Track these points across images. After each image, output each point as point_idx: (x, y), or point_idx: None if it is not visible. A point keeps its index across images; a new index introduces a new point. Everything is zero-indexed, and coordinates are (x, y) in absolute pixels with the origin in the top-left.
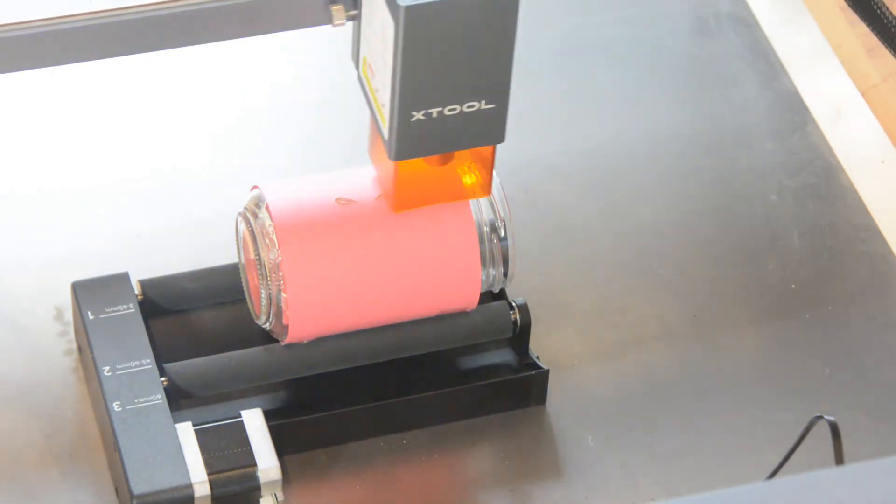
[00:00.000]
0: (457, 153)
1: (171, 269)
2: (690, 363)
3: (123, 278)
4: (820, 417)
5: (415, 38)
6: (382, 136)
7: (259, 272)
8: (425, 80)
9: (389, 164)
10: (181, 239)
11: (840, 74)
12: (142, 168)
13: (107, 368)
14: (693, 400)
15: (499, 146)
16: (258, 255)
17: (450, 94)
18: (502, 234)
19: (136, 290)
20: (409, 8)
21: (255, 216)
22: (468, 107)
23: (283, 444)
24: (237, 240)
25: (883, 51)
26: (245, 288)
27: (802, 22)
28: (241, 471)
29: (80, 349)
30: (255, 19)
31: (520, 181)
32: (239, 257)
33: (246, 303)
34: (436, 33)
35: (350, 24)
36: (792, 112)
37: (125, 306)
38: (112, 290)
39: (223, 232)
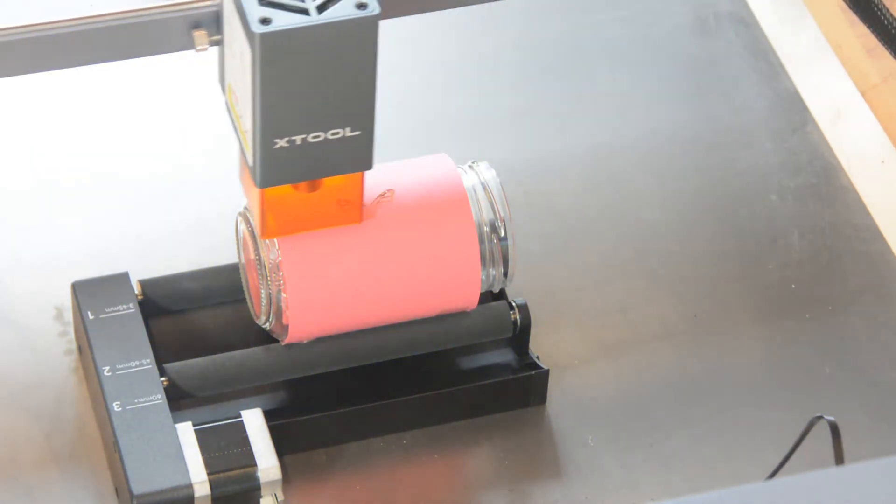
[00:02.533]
0: (325, 180)
1: (171, 269)
2: (690, 363)
3: (123, 278)
4: (820, 417)
5: (272, 65)
6: (247, 163)
7: (259, 272)
8: (286, 106)
9: (257, 192)
10: (181, 239)
11: (840, 74)
12: (142, 168)
13: (107, 368)
14: (693, 400)
15: (499, 146)
16: (258, 255)
17: (313, 121)
18: (502, 234)
19: (136, 290)
20: (264, 35)
21: (251, 212)
22: (332, 133)
23: (283, 444)
24: (237, 240)
25: (883, 51)
26: (245, 288)
27: (802, 22)
28: (241, 471)
29: (80, 349)
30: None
31: (520, 181)
32: (239, 257)
33: (246, 303)
34: (294, 60)
35: (215, 49)
36: (792, 112)
37: (125, 306)
38: (112, 290)
39: (223, 232)
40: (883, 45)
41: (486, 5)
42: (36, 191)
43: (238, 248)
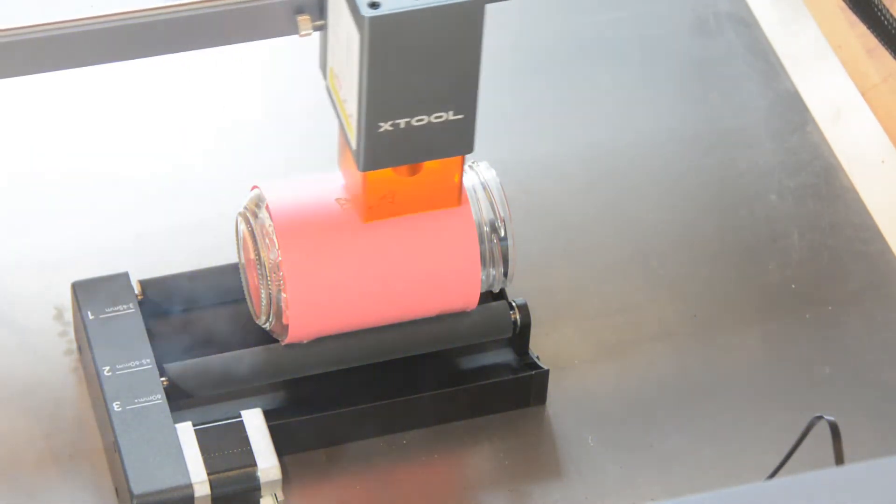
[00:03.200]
0: (426, 163)
1: (171, 269)
2: (690, 363)
3: (123, 278)
4: (820, 417)
5: (380, 49)
6: (350, 147)
7: (259, 272)
8: (392, 90)
9: (358, 175)
10: (181, 239)
11: (840, 74)
12: (142, 168)
13: (107, 368)
14: (693, 400)
15: (500, 145)
16: (258, 255)
17: (417, 104)
18: (502, 234)
19: (136, 290)
20: (373, 18)
21: (255, 216)
22: (436, 117)
23: (283, 444)
24: (237, 240)
25: (883, 51)
26: (245, 288)
27: (802, 22)
28: (241, 471)
29: (80, 349)
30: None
31: (520, 181)
32: (239, 257)
33: (246, 303)
34: (401, 43)
35: (317, 34)
36: (792, 112)
37: (125, 306)
38: (112, 290)
39: (223, 232)
40: (883, 45)
41: (486, 5)
42: (36, 191)
43: (238, 248)
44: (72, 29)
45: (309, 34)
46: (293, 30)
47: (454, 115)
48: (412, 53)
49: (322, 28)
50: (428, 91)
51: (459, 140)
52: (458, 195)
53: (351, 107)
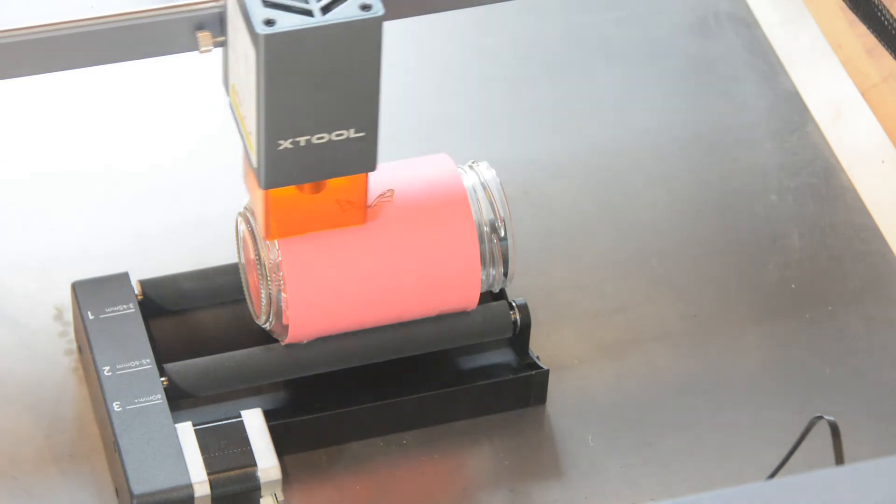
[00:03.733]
0: (329, 181)
1: (171, 269)
2: (690, 363)
3: (123, 278)
4: (820, 417)
5: (276, 66)
6: (252, 165)
7: (259, 272)
8: (291, 108)
9: (261, 193)
10: (181, 239)
11: (840, 74)
12: (142, 168)
13: (107, 368)
14: (693, 400)
15: (500, 145)
16: (258, 255)
17: (317, 122)
18: (502, 234)
19: (136, 290)
20: (268, 36)
21: (255, 213)
22: (336, 135)
23: (283, 444)
24: (237, 240)
25: (883, 51)
26: (245, 288)
27: (802, 22)
28: (241, 471)
29: (80, 349)
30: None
31: (520, 181)
32: (239, 257)
33: (246, 303)
34: (298, 61)
35: (219, 50)
36: (792, 112)
37: (125, 306)
38: (112, 290)
39: (223, 232)
40: (883, 45)
41: (486, 5)
42: (36, 190)
43: (238, 248)
44: (72, 30)
45: (209, 50)
46: (193, 46)
47: (356, 132)
48: (310, 71)
49: (223, 44)
50: (328, 109)
51: (362, 158)
52: (363, 213)
53: (251, 124)
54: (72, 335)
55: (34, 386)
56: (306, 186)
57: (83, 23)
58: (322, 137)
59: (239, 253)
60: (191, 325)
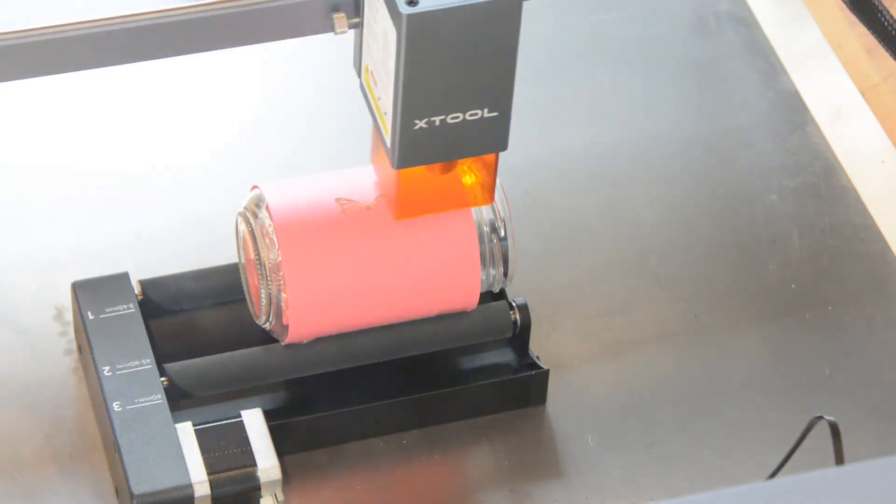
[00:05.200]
0: (459, 161)
1: (171, 269)
2: (690, 363)
3: (123, 278)
4: (820, 417)
5: (417, 46)
6: (385, 145)
7: (259, 272)
8: (428, 87)
9: (392, 173)
10: (181, 239)
11: (840, 74)
12: (142, 168)
13: (107, 368)
14: (693, 400)
15: None
16: (258, 255)
17: (452, 102)
18: (502, 234)
19: (136, 290)
20: (411, 16)
21: (255, 216)
22: (471, 115)
23: (283, 444)
24: (237, 240)
25: (883, 51)
26: (245, 288)
27: (802, 22)
28: (241, 471)
29: (80, 349)
30: (257, 28)
31: (520, 181)
32: (239, 257)
33: (246, 303)
34: (438, 41)
35: (352, 31)
36: (792, 112)
37: (125, 306)
38: (112, 290)
39: (223, 232)
40: (883, 45)
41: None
42: (36, 191)
43: (238, 248)
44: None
45: (344, 32)
46: (329, 28)
47: (489, 112)
48: (449, 51)
49: (357, 26)
50: (464, 88)
51: (494, 137)
52: (491, 193)
53: (386, 104)
54: (72, 335)
55: (34, 386)
56: (436, 166)
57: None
58: (457, 117)
59: (239, 253)
60: (191, 325)
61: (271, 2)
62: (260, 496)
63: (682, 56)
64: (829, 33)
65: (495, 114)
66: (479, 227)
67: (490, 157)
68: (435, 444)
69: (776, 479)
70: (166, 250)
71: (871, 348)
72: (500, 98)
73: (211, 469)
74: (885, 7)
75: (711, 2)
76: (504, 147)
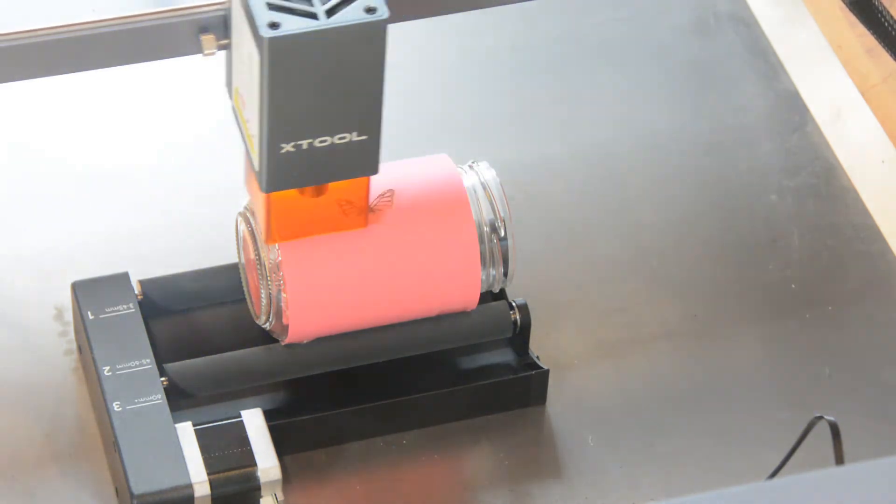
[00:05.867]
0: (331, 185)
1: (171, 269)
2: (690, 363)
3: (123, 278)
4: (820, 417)
5: (280, 70)
6: (253, 168)
7: (259, 272)
8: (293, 111)
9: (262, 196)
10: (181, 239)
11: (840, 74)
12: (142, 168)
13: (107, 368)
14: (693, 400)
15: (499, 146)
16: (258, 255)
17: (319, 125)
18: (502, 234)
19: (136, 290)
20: (273, 39)
21: (255, 216)
22: (339, 138)
23: (283, 444)
24: (237, 240)
25: (883, 51)
26: (245, 288)
27: (802, 22)
28: (241, 471)
29: (80, 349)
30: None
31: (520, 181)
32: (239, 257)
33: (246, 303)
34: (302, 64)
35: (222, 53)
36: (792, 112)
37: (125, 306)
38: (112, 290)
39: (223, 232)
40: (883, 46)
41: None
42: (36, 191)
43: (238, 248)
44: (75, 33)
45: (213, 53)
46: (197, 49)
47: (358, 135)
48: (314, 74)
49: (227, 47)
50: (331, 112)
51: (364, 161)
52: (364, 216)
53: (254, 127)
54: (72, 335)
55: (34, 386)
56: (308, 190)
57: (85, 26)
58: (325, 141)
59: (239, 253)
60: (191, 325)
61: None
62: (260, 496)
63: (682, 56)
64: (829, 33)
65: (364, 137)
66: (479, 227)
67: (362, 180)
68: (435, 444)
69: (776, 479)
70: (166, 250)
71: (871, 348)
72: (369, 121)
73: (211, 469)
74: (885, 8)
75: (711, 2)
76: (375, 171)
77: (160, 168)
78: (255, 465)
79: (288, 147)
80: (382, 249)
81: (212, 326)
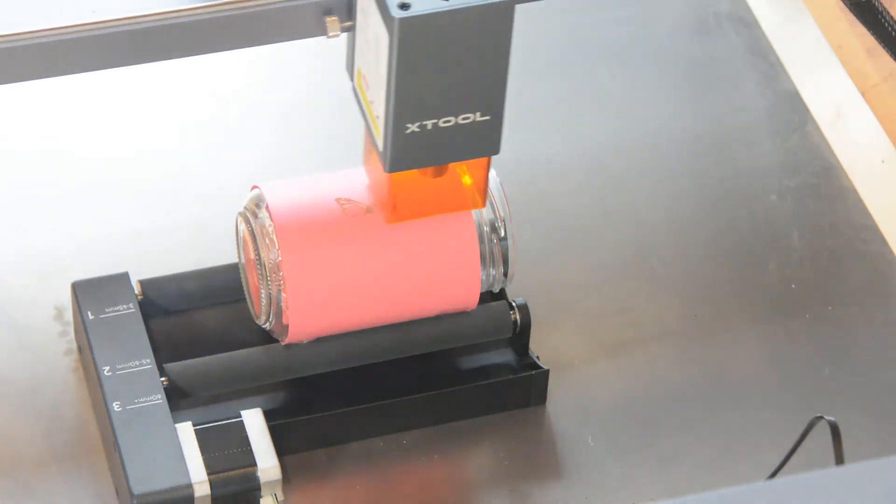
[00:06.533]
0: (452, 164)
1: (171, 269)
2: (690, 363)
3: (123, 278)
4: (820, 417)
5: (409, 50)
6: (377, 148)
7: (259, 272)
8: (420, 91)
9: (384, 176)
10: (181, 239)
11: (840, 74)
12: (142, 168)
13: (107, 368)
14: (693, 400)
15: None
16: (258, 255)
17: (444, 105)
18: (502, 234)
19: (136, 290)
20: (403, 19)
21: (255, 216)
22: (463, 119)
23: (283, 444)
24: (237, 240)
25: (883, 51)
26: (245, 288)
27: (802, 22)
28: (241, 471)
29: (80, 349)
30: (249, 31)
31: (520, 181)
32: (239, 257)
33: (246, 303)
34: (430, 44)
35: (345, 35)
36: (792, 112)
37: (125, 306)
38: (112, 290)
39: (223, 232)
40: (883, 47)
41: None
42: (36, 191)
43: (238, 248)
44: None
45: (337, 35)
46: (322, 31)
47: (481, 116)
48: (441, 54)
49: (350, 29)
50: (456, 92)
51: (486, 141)
52: (483, 196)
53: (378, 108)
54: (72, 335)
55: (34, 386)
56: (429, 169)
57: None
58: (448, 121)
59: (239, 253)
60: (191, 325)
61: (264, 5)
62: (260, 496)
63: (682, 56)
64: (829, 33)
65: (487, 117)
66: (479, 227)
67: (482, 160)
68: (435, 444)
69: (776, 479)
70: (166, 250)
71: (871, 348)
72: (493, 102)
73: (211, 469)
74: (885, 9)
75: (711, 2)
76: (496, 151)
77: (160, 168)
78: (255, 465)
79: (413, 127)
80: (382, 249)
81: (212, 326)
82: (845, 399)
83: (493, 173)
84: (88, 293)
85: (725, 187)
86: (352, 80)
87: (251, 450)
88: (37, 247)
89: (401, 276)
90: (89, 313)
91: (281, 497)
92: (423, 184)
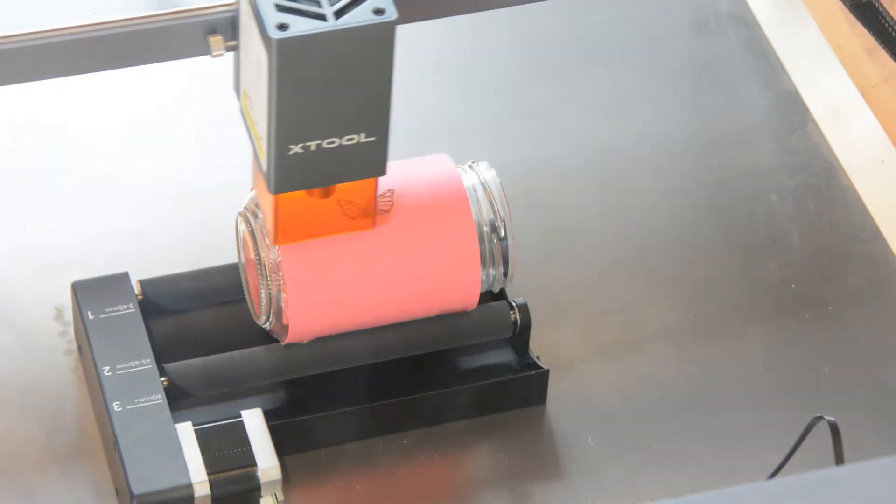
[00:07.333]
0: (338, 185)
1: (171, 269)
2: (690, 363)
3: (123, 278)
4: (820, 417)
5: (289, 71)
6: (262, 169)
7: (259, 272)
8: (302, 112)
9: (270, 198)
10: (181, 239)
11: (840, 74)
12: (142, 168)
13: (107, 368)
14: (693, 400)
15: (500, 145)
16: (258, 255)
17: (328, 126)
18: (502, 234)
19: (136, 290)
20: (281, 40)
21: (255, 216)
22: (347, 140)
23: (283, 444)
24: (237, 240)
25: (882, 51)
26: (245, 288)
27: (802, 22)
28: (241, 471)
29: (80, 349)
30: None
31: (520, 181)
32: (239, 257)
33: (246, 303)
34: (310, 66)
35: (230, 54)
36: (792, 112)
37: (125, 306)
38: (112, 290)
39: (223, 232)
40: (883, 47)
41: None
42: (36, 191)
43: (238, 248)
44: (81, 35)
45: (221, 55)
46: (205, 50)
47: (366, 137)
48: (322, 75)
49: (234, 48)
50: (339, 113)
51: (372, 162)
52: (372, 217)
53: (262, 129)
54: (72, 335)
55: (34, 386)
56: (315, 191)
57: (92, 28)
58: (332, 142)
59: (239, 253)
60: (191, 325)
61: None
62: (260, 496)
63: (682, 56)
64: (829, 33)
65: (373, 138)
66: (479, 227)
67: (370, 181)
68: (435, 444)
69: (776, 479)
70: (166, 250)
71: (871, 348)
72: (377, 123)
73: (211, 469)
74: (885, 9)
75: (711, 2)
76: (382, 172)
77: (160, 168)
78: (255, 465)
79: (296, 148)
80: (382, 249)
81: (212, 326)
82: (845, 399)
83: (493, 173)
84: (88, 293)
85: (725, 187)
86: (238, 99)
87: (251, 450)
88: (37, 247)
89: (401, 276)
90: (89, 313)
91: (281, 497)
92: (310, 205)
